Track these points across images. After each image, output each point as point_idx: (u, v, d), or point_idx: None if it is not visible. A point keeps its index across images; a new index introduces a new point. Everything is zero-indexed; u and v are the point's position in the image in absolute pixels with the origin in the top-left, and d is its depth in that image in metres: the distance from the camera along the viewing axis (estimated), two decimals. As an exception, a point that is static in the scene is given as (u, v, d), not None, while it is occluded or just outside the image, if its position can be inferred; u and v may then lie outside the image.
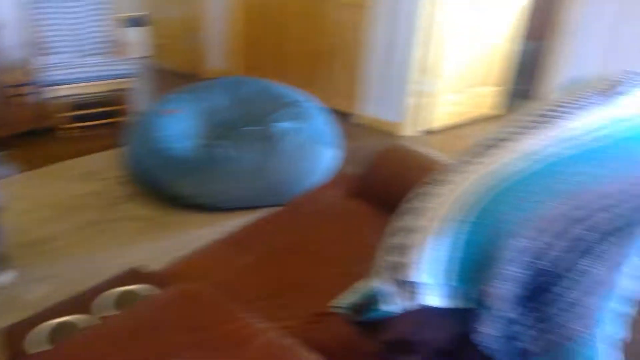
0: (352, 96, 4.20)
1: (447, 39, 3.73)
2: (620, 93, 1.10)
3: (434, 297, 0.79)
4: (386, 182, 1.73)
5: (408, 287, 0.81)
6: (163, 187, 2.58)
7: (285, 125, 2.70)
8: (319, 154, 2.72)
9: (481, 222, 0.75)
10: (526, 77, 4.36)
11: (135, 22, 4.88)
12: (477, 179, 0.80)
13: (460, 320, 0.84)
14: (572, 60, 2.87)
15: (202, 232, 2.39)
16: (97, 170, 3.06)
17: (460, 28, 3.78)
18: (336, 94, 4.30)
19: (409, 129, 3.94)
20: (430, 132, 4.03)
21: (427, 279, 0.78)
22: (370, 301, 0.97)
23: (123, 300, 1.29)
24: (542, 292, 0.77)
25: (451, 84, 3.98)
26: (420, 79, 3.80)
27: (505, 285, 0.75)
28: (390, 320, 0.93)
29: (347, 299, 1.16)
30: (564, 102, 1.05)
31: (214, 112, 2.95)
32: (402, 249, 0.82)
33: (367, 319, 1.01)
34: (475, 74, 4.14)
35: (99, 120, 3.67)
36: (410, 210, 0.87)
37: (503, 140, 0.91)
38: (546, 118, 0.97)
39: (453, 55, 3.86)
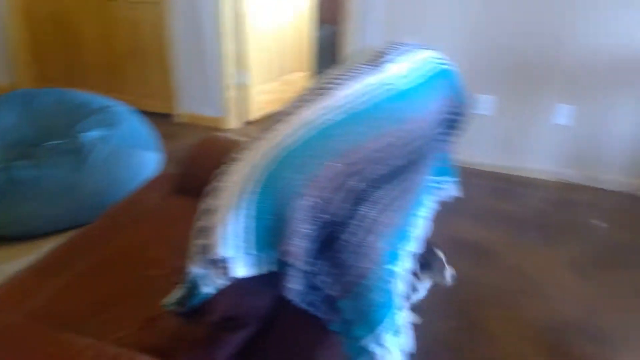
0: (168, 96, 4.08)
1: (253, 29, 3.83)
2: (387, 61, 1.27)
3: (241, 268, 0.84)
4: (204, 173, 1.74)
5: (218, 264, 0.85)
6: (-46, 225, 2.23)
7: (94, 134, 2.52)
8: (137, 160, 2.61)
9: (268, 191, 0.81)
10: (329, 60, 4.70)
11: None
12: (264, 152, 0.87)
13: (273, 284, 0.91)
14: (360, 40, 3.18)
15: (12, 267, 2.13)
16: None
17: (263, 18, 3.90)
18: (150, 95, 4.14)
19: (232, 122, 3.98)
20: (250, 123, 4.12)
21: (231, 252, 0.82)
22: (192, 288, 0.99)
23: None
24: (333, 241, 0.87)
25: (264, 74, 4.11)
26: (233, 71, 3.85)
27: (299, 242, 0.83)
28: (211, 301, 0.96)
29: (175, 294, 1.17)
30: (338, 75, 1.18)
31: (5, 132, 2.62)
32: (207, 230, 0.85)
33: (192, 307, 1.03)
34: (284, 62, 4.33)
35: None
36: (211, 192, 0.90)
37: (287, 114, 0.99)
38: (323, 90, 1.08)
39: (261, 46, 3.98)
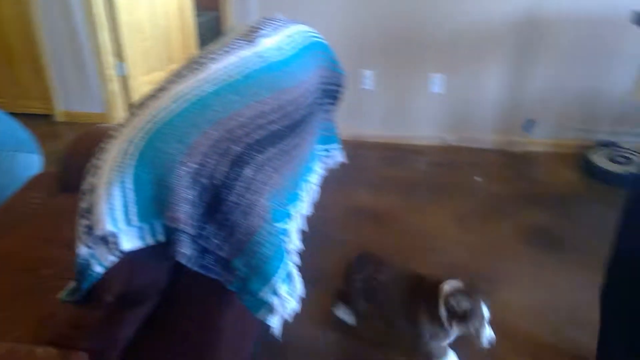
0: (45, 95, 3.81)
1: (129, 19, 3.68)
2: (260, 36, 1.32)
3: (127, 242, 0.85)
4: (85, 165, 1.69)
5: (104, 240, 0.86)
6: None
7: (-40, 141, 2.31)
8: (13, 164, 2.42)
9: (144, 162, 0.83)
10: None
11: None
12: (139, 127, 0.89)
13: (166, 255, 0.93)
14: (242, 22, 3.19)
15: None
16: None
17: (138, 7, 3.76)
18: (24, 96, 3.85)
19: (117, 117, 3.81)
20: (140, 116, 3.97)
21: (115, 227, 0.83)
22: (83, 270, 0.98)
23: None
24: (219, 203, 0.91)
25: (146, 65, 3.97)
26: (112, 64, 3.68)
27: (185, 208, 0.86)
28: (105, 282, 0.96)
29: (69, 286, 1.14)
30: (213, 50, 1.21)
31: None
32: (89, 209, 0.86)
33: (87, 291, 1.02)
34: (169, 51, 4.22)
35: None
36: (90, 171, 0.90)
37: (161, 90, 1.01)
38: (197, 65, 1.11)
39: (141, 35, 3.84)
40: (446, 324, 1.42)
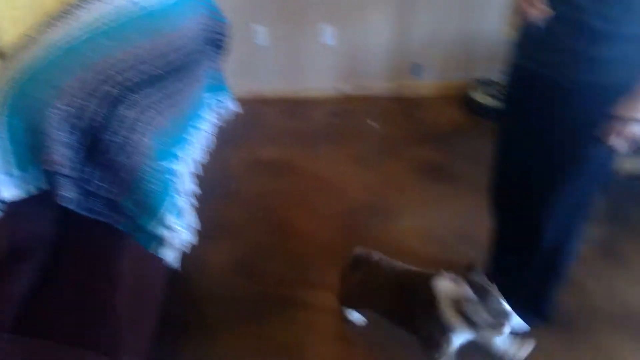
0: None
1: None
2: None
3: (6, 191, 0.84)
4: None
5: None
6: None
7: None
8: None
9: (16, 111, 0.82)
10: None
11: None
12: (8, 77, 0.86)
13: (51, 205, 0.93)
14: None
15: None
16: None
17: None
18: None
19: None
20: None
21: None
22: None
23: None
24: (100, 144, 0.91)
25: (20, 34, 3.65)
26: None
27: (61, 150, 0.86)
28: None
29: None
30: None
31: None
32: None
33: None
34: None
35: None
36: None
37: (30, 40, 0.98)
38: (67, 14, 1.07)
39: (11, 4, 3.50)
40: (451, 325, 1.21)
